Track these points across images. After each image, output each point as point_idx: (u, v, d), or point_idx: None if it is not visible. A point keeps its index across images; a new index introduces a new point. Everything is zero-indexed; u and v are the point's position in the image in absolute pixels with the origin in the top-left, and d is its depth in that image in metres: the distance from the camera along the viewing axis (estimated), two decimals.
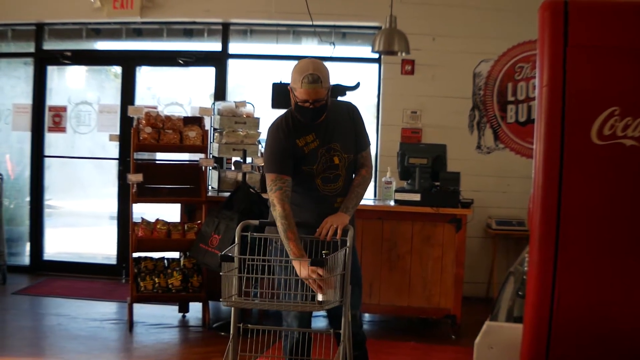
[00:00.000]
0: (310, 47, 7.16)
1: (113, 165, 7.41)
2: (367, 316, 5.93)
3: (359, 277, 3.65)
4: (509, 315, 2.71)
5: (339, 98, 5.49)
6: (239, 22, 7.20)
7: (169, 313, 5.88)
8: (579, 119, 2.15)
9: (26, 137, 7.44)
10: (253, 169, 5.82)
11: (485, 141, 6.83)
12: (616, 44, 2.16)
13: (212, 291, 5.39)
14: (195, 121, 5.85)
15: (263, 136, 5.23)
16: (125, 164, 6.90)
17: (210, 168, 6.13)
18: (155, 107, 6.46)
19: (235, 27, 7.25)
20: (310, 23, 6.60)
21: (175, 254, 5.84)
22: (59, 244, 7.69)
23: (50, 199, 7.69)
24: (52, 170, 7.62)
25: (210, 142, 6.15)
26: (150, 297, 5.53)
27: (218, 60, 7.26)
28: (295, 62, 3.39)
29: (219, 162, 6.27)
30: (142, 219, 5.62)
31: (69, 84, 7.83)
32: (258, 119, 6.11)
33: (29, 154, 7.44)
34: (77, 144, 7.60)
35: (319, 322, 5.49)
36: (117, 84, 7.52)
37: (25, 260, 7.51)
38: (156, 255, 5.71)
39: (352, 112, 3.56)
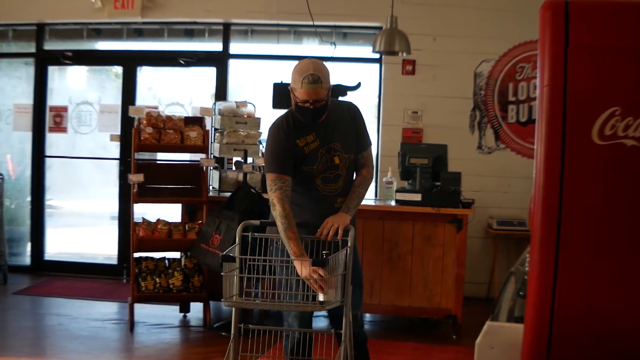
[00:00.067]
0: (311, 47, 7.16)
1: (114, 166, 7.41)
2: (368, 316, 5.92)
3: (360, 277, 3.65)
4: (510, 315, 2.71)
5: (340, 98, 5.49)
6: (239, 22, 7.20)
7: (170, 313, 5.88)
8: (580, 119, 2.15)
9: (27, 137, 7.44)
10: (254, 169, 5.83)
11: (486, 141, 6.82)
12: (617, 44, 2.16)
13: (213, 291, 5.40)
14: (196, 121, 5.84)
15: (264, 136, 5.23)
16: (126, 164, 6.91)
17: (211, 168, 6.13)
18: (156, 107, 6.45)
19: (236, 27, 7.25)
20: (311, 23, 6.60)
21: (176, 254, 5.84)
22: (60, 244, 7.69)
23: (51, 199, 7.69)
24: (53, 171, 7.62)
25: (211, 142, 6.15)
26: (151, 297, 5.53)
27: (219, 61, 7.25)
28: (296, 62, 3.39)
29: (219, 162, 6.27)
30: (143, 219, 5.62)
31: (70, 84, 7.83)
32: (259, 119, 6.11)
33: (30, 154, 7.44)
34: (78, 144, 7.60)
35: (320, 322, 5.48)
36: (118, 84, 7.52)
37: (26, 260, 7.51)
38: (157, 255, 5.71)
39: (353, 112, 3.56)
